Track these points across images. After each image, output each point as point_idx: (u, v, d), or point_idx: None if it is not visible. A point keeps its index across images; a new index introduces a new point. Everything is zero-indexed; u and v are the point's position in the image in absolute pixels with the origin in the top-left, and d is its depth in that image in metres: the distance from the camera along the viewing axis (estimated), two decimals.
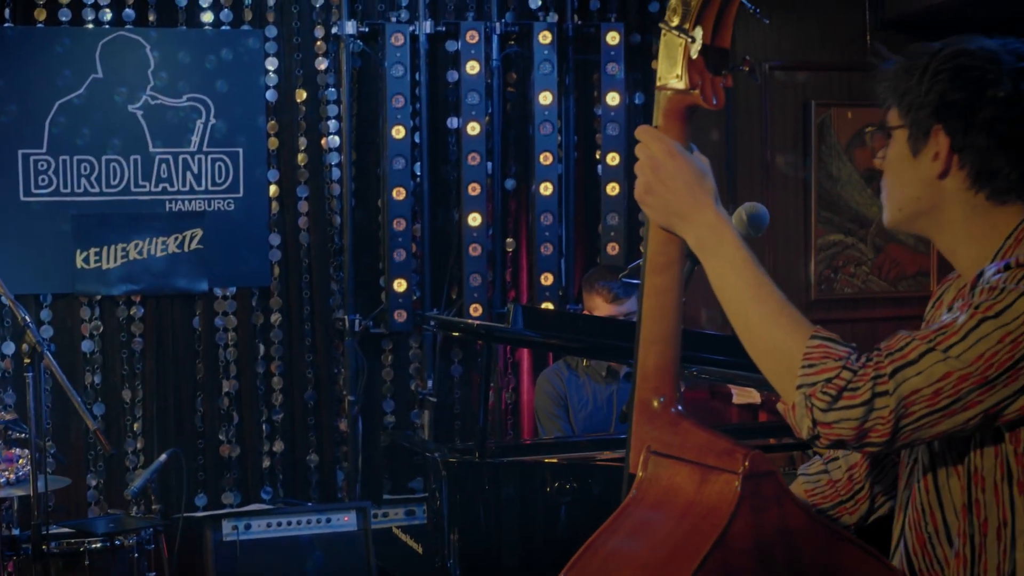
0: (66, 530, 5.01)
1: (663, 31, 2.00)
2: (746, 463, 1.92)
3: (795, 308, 1.96)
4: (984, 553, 1.98)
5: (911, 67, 2.06)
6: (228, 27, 6.31)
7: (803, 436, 1.90)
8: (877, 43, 7.03)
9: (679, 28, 1.98)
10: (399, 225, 6.32)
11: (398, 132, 6.29)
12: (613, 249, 6.58)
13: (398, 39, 6.29)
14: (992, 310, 1.85)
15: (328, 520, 5.52)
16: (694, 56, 1.98)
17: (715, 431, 2.04)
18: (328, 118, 6.43)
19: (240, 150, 6.32)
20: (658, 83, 2.03)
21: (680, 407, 2.10)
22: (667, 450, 2.06)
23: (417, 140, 6.45)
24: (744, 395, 6.43)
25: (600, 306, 5.40)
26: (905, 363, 1.85)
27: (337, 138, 6.43)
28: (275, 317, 6.40)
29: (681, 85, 2.00)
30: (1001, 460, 1.96)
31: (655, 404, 2.10)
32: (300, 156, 6.42)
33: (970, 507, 2.00)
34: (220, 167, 6.29)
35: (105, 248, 6.18)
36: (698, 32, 1.97)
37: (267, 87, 6.36)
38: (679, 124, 2.04)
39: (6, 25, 6.07)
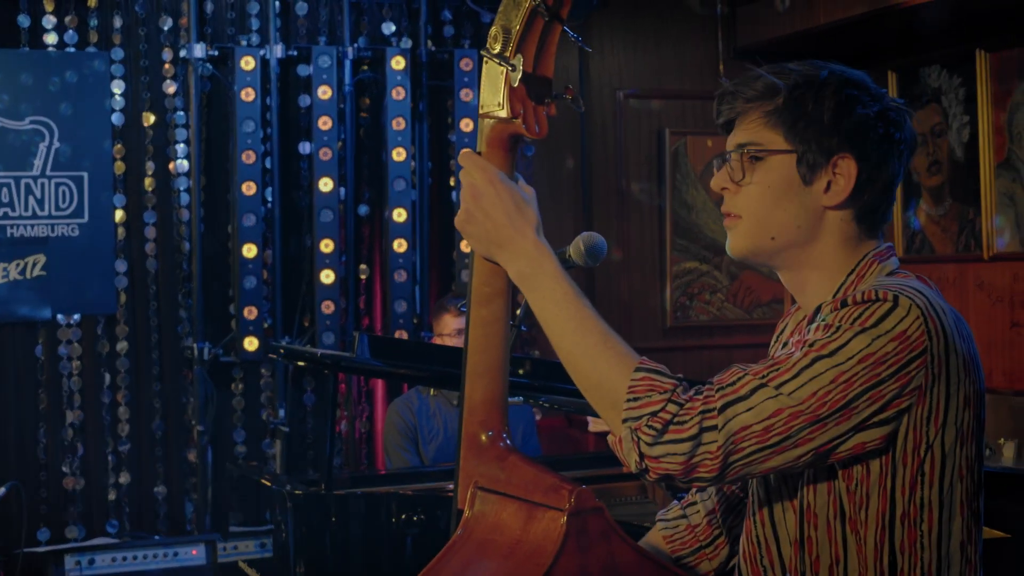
0: None
1: (484, 59, 1.97)
2: (572, 500, 1.88)
3: (620, 340, 1.92)
4: None
5: (804, 89, 1.99)
6: (73, 49, 6.17)
7: (632, 469, 1.87)
8: (734, 67, 7.17)
9: (500, 56, 1.94)
10: (249, 251, 6.22)
11: (248, 157, 6.20)
12: (468, 276, 6.54)
13: (248, 63, 6.21)
14: (826, 348, 1.83)
15: (176, 554, 5.41)
16: (515, 85, 1.95)
17: (543, 466, 2.00)
18: (176, 142, 6.31)
19: (85, 174, 6.17)
20: (481, 111, 1.99)
21: (508, 441, 2.05)
22: (494, 486, 2.01)
23: (268, 165, 6.37)
24: (600, 423, 6.43)
25: (448, 323, 5.36)
26: (736, 398, 1.82)
27: (186, 162, 6.32)
28: (121, 345, 6.26)
29: (503, 113, 1.96)
30: (834, 497, 1.94)
31: (483, 438, 2.05)
32: (147, 180, 6.29)
33: (802, 543, 1.98)
34: (64, 191, 6.13)
35: None
36: (519, 60, 1.94)
37: (113, 110, 6.23)
38: (502, 153, 2.00)
39: None
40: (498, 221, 1.96)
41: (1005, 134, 6.55)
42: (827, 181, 1.98)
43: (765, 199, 2.02)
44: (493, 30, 1.94)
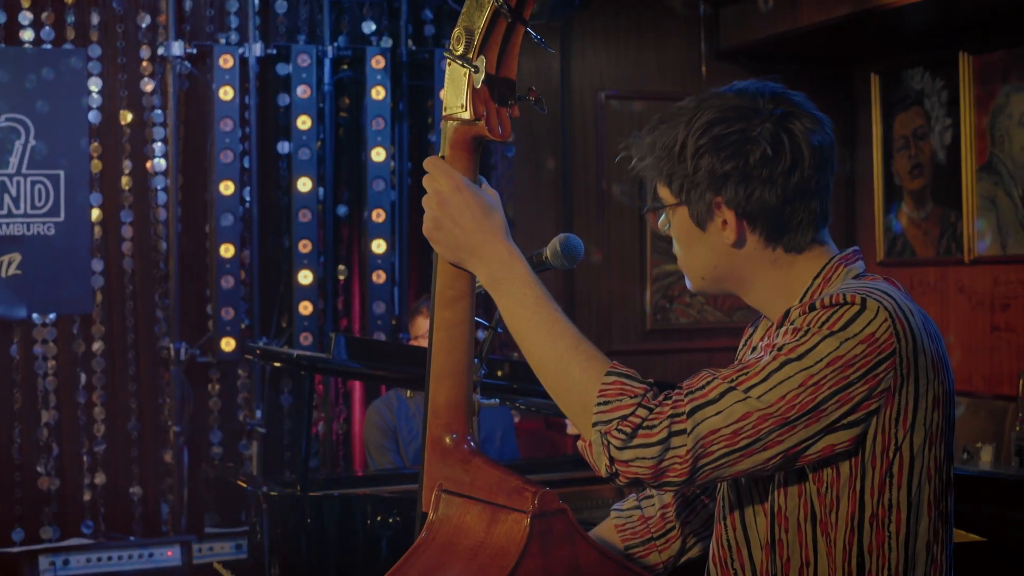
0: None
1: (448, 60, 1.95)
2: (535, 502, 1.88)
3: (591, 344, 1.93)
4: None
5: (668, 145, 2.01)
6: (50, 45, 6.14)
7: (601, 474, 1.87)
8: (716, 68, 7.16)
9: (463, 58, 1.94)
10: (227, 251, 6.19)
11: (226, 156, 6.17)
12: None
13: (227, 61, 6.18)
14: (795, 352, 1.84)
15: (151, 555, 5.40)
16: (478, 86, 1.94)
17: (507, 469, 1.99)
18: (154, 141, 6.28)
19: (61, 172, 6.13)
20: (444, 112, 1.99)
21: (473, 443, 2.04)
22: (458, 489, 2.01)
23: (246, 164, 6.34)
24: None
25: (422, 325, 5.36)
26: (705, 402, 1.83)
27: (163, 161, 6.28)
28: (97, 345, 6.22)
29: (466, 115, 1.96)
30: (805, 500, 1.95)
31: (447, 441, 2.05)
32: (124, 179, 6.26)
33: (773, 546, 1.99)
34: (40, 190, 6.09)
35: None
36: (481, 62, 1.93)
37: (90, 108, 6.19)
38: (466, 155, 1.99)
39: None
40: (466, 227, 1.96)
41: (987, 137, 6.55)
42: (720, 222, 2.01)
43: (680, 247, 2.09)
44: (456, 31, 1.95)
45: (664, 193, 2.06)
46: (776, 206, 1.99)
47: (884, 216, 7.18)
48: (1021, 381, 4.64)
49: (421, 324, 5.35)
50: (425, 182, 2.00)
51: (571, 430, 6.59)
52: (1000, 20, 6.38)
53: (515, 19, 1.93)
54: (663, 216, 2.10)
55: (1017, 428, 4.59)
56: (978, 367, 6.55)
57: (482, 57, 1.94)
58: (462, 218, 1.96)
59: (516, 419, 6.14)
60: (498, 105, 1.97)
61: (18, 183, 6.07)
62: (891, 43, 7.09)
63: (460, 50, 1.95)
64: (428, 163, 2.00)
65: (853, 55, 7.41)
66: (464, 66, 1.94)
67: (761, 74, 2.12)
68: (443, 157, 2.00)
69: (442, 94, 2.01)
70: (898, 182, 7.15)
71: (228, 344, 6.18)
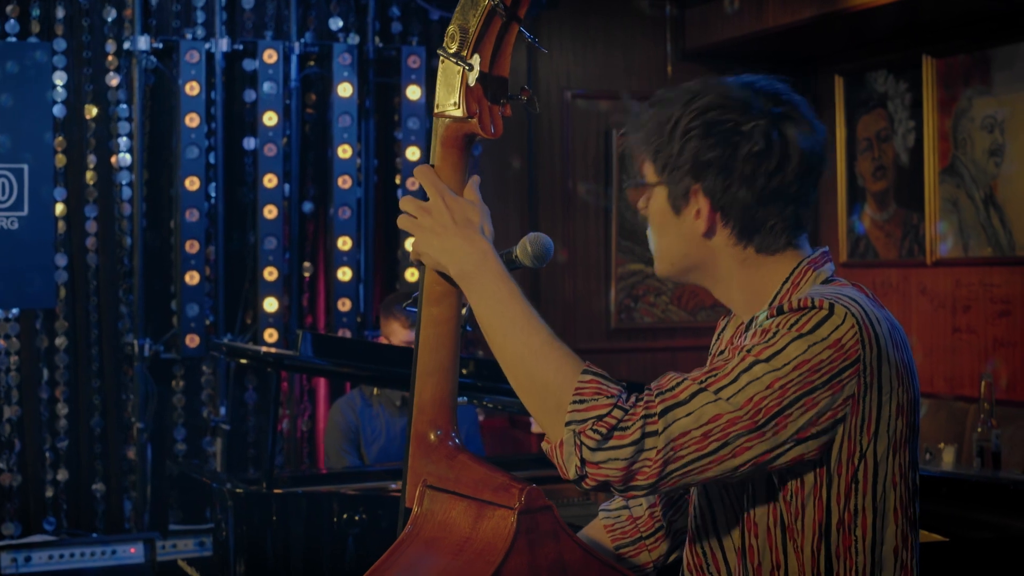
0: None
1: (441, 58, 1.96)
2: (522, 498, 1.88)
3: (563, 343, 1.91)
4: None
5: (661, 121, 2.00)
6: (14, 39, 6.08)
7: (569, 476, 1.85)
8: (682, 69, 7.19)
9: (456, 56, 1.94)
10: (192, 247, 6.17)
11: (192, 152, 6.14)
12: (412, 275, 6.54)
13: (193, 56, 6.15)
14: (763, 354, 1.83)
15: (114, 552, 5.37)
16: (472, 84, 1.95)
17: (492, 465, 1.99)
18: (119, 135, 6.25)
19: (25, 166, 6.08)
20: (436, 110, 1.99)
21: (457, 440, 2.05)
22: (443, 484, 2.01)
23: (212, 160, 6.31)
24: None
25: (397, 331, 5.33)
26: (675, 403, 1.81)
27: (128, 156, 6.25)
28: (60, 340, 6.17)
29: (459, 113, 1.96)
30: (773, 507, 1.95)
31: (432, 437, 2.04)
32: (89, 174, 6.22)
33: (744, 552, 1.99)
34: (4, 184, 6.04)
35: None
36: (476, 60, 1.94)
37: (55, 102, 6.14)
38: (456, 152, 2.00)
39: None
40: (443, 228, 1.96)
41: (950, 140, 6.61)
42: (695, 210, 2.00)
43: (653, 229, 2.07)
44: (450, 29, 1.94)
45: (648, 171, 2.05)
46: (751, 205, 1.98)
47: (847, 217, 7.23)
48: (983, 383, 4.68)
49: (397, 331, 5.33)
50: (402, 204, 2.01)
51: (536, 428, 6.60)
52: (964, 24, 6.44)
53: (510, 18, 1.93)
54: (632, 196, 2.10)
55: (979, 429, 4.62)
56: (939, 368, 6.60)
57: (476, 55, 1.94)
58: (439, 221, 1.96)
59: (481, 417, 6.14)
60: (491, 103, 1.97)
61: None
62: (855, 45, 7.14)
63: (454, 48, 1.94)
64: (418, 172, 2.00)
65: (817, 57, 7.45)
66: (458, 64, 1.94)
67: (726, 75, 2.09)
68: (433, 155, 2.00)
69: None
70: (861, 184, 7.20)
71: (193, 340, 6.16)
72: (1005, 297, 6.37)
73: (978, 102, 6.47)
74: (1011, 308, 6.35)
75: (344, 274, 6.44)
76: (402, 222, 2.01)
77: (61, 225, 6.19)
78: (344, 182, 6.43)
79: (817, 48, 7.32)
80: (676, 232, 2.04)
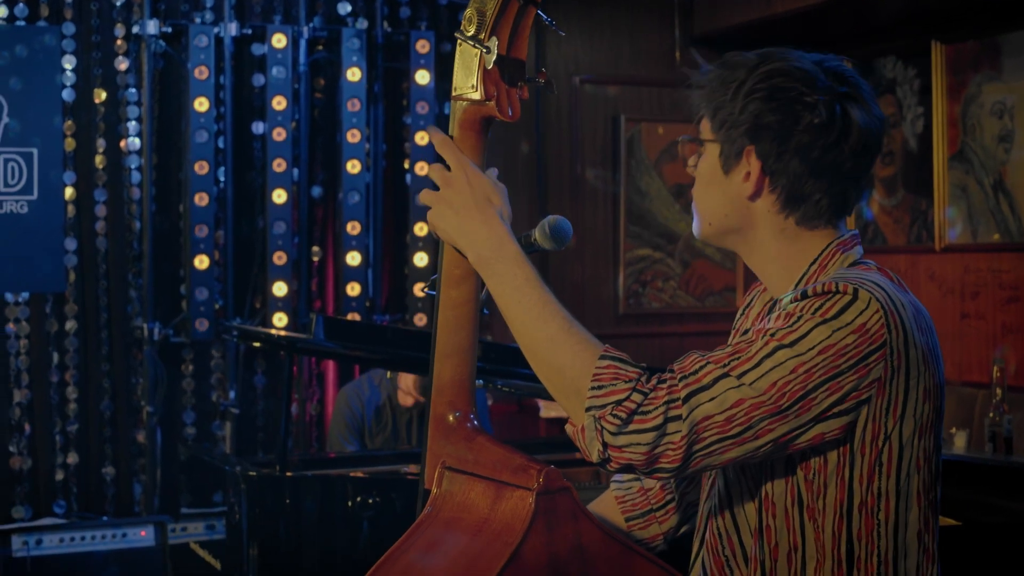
0: None
1: (459, 41, 1.96)
2: (540, 479, 1.88)
3: (582, 327, 1.92)
4: None
5: (726, 80, 2.01)
6: (24, 22, 6.08)
7: (593, 459, 1.85)
8: (691, 55, 7.18)
9: (474, 38, 1.94)
10: (201, 231, 6.18)
11: (201, 136, 6.15)
12: (421, 260, 6.55)
13: (202, 40, 6.15)
14: (787, 339, 1.84)
15: (124, 535, 5.36)
16: (489, 67, 1.95)
17: (511, 447, 2.00)
18: (128, 120, 6.25)
19: (35, 150, 6.08)
20: (453, 93, 1.99)
21: (476, 421, 2.05)
22: (462, 466, 2.01)
23: (221, 145, 6.31)
24: (552, 408, 6.45)
25: (405, 400, 5.41)
26: (699, 388, 1.82)
27: (137, 140, 6.25)
28: (70, 324, 6.19)
29: (476, 96, 1.96)
30: (792, 487, 1.95)
31: (450, 419, 2.05)
32: (98, 158, 6.22)
33: (761, 532, 1.99)
34: (13, 168, 6.05)
35: None
36: (493, 43, 1.94)
37: (64, 86, 6.15)
38: (474, 135, 2.00)
39: None
40: (461, 208, 1.96)
41: (959, 126, 6.60)
42: (744, 172, 2.01)
43: (699, 186, 2.07)
44: (468, 12, 1.95)
45: (704, 127, 2.05)
46: (801, 175, 1.99)
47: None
48: (994, 368, 4.69)
49: (403, 398, 5.40)
50: (430, 172, 2.00)
51: (544, 413, 6.61)
52: (973, 10, 6.43)
53: (527, 1, 1.94)
54: (681, 153, 2.11)
55: (991, 415, 4.63)
56: (948, 354, 6.61)
57: (494, 38, 1.94)
58: (459, 198, 1.96)
59: (490, 402, 6.16)
60: (508, 86, 1.97)
61: None
62: (864, 31, 7.13)
63: (472, 31, 1.95)
64: (437, 142, 2.00)
65: (825, 43, 7.44)
66: (476, 47, 1.94)
67: None
68: (452, 137, 2.00)
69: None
70: None
71: (202, 324, 6.18)
72: (1014, 283, 6.37)
73: (987, 88, 6.46)
74: (1020, 294, 6.35)
75: (353, 258, 6.45)
76: (424, 196, 2.00)
77: (71, 209, 6.20)
78: (353, 167, 6.44)
79: (825, 34, 7.31)
80: (722, 191, 2.04)
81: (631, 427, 1.80)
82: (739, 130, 1.99)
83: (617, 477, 2.36)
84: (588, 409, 1.83)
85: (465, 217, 1.96)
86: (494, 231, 1.96)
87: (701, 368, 1.84)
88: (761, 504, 1.98)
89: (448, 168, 1.99)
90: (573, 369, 1.86)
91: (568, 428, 1.90)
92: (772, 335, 1.85)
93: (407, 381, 5.44)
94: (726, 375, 1.82)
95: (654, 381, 1.84)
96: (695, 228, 2.11)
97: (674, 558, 2.16)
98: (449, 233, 1.98)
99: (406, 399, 5.48)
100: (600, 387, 1.83)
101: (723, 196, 2.04)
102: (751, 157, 2.00)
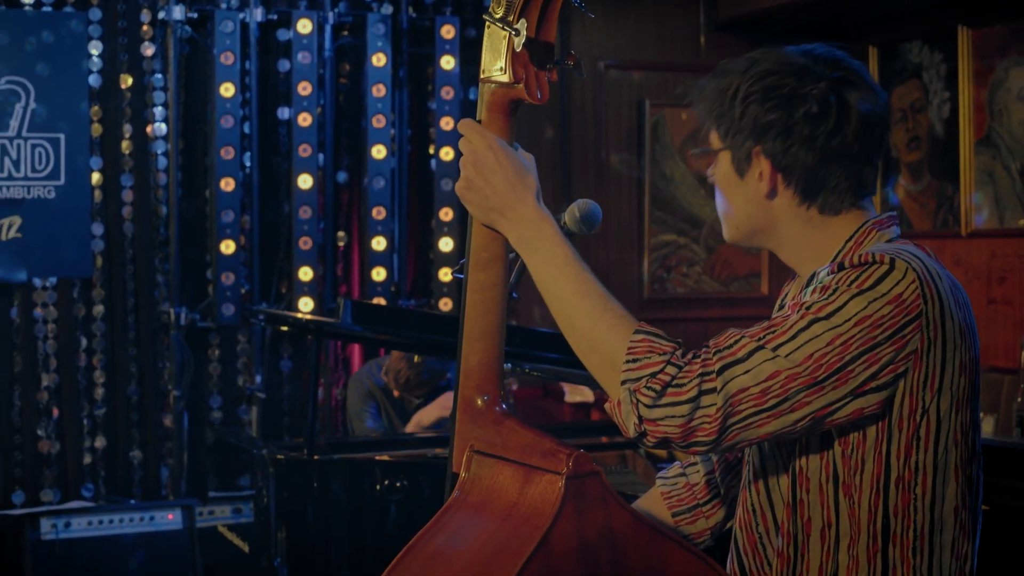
0: None
1: (487, 23, 1.96)
2: (570, 464, 1.87)
3: (619, 304, 1.93)
4: (807, 552, 1.98)
5: (722, 89, 2.05)
6: (50, 8, 6.11)
7: (630, 434, 1.86)
8: (715, 39, 7.16)
9: (503, 20, 1.93)
10: (227, 216, 6.19)
11: (227, 121, 6.16)
12: (446, 244, 6.55)
13: (228, 26, 6.16)
14: (823, 311, 1.84)
15: (152, 518, 5.40)
16: (518, 49, 1.94)
17: (539, 431, 1.99)
18: (154, 105, 6.27)
19: (62, 136, 6.11)
20: (482, 76, 1.99)
21: (504, 405, 2.05)
22: (490, 450, 2.01)
23: (247, 130, 6.33)
24: (577, 393, 6.45)
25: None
26: (733, 360, 1.82)
27: (164, 126, 6.27)
28: (97, 309, 6.22)
29: (505, 78, 1.96)
30: (827, 462, 1.95)
31: (478, 402, 2.04)
32: (125, 144, 6.24)
33: (794, 507, 1.99)
34: (40, 153, 6.08)
35: None
36: (522, 25, 1.93)
37: (90, 71, 6.17)
38: (503, 117, 2.00)
39: None
40: (498, 187, 1.97)
41: (986, 111, 6.57)
42: (757, 172, 2.04)
43: (721, 193, 2.11)
44: None
45: (713, 138, 2.10)
46: (812, 165, 2.01)
47: (881, 188, 7.20)
48: (1022, 353, 4.67)
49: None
50: (461, 144, 2.01)
51: (569, 398, 6.61)
52: None
53: None
54: (701, 165, 2.14)
55: (1019, 399, 4.61)
56: None
57: (523, 20, 1.93)
58: (494, 178, 1.97)
59: (514, 387, 6.16)
60: (537, 68, 1.97)
61: (18, 146, 6.05)
62: (890, 16, 7.09)
63: (500, 13, 1.94)
64: (463, 125, 2.00)
65: (851, 28, 7.40)
66: (504, 29, 1.94)
67: (759, 46, 2.14)
68: (479, 120, 2.00)
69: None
70: (895, 155, 7.17)
71: (228, 309, 6.22)
72: None
73: (1015, 72, 6.43)
74: None
75: (378, 243, 6.46)
76: (460, 163, 2.01)
77: (97, 194, 6.23)
78: (378, 152, 6.44)
79: (851, 19, 7.27)
80: (741, 195, 2.07)
81: (665, 399, 1.80)
82: (743, 134, 2.03)
83: (663, 473, 2.37)
84: (623, 383, 1.84)
85: (500, 198, 1.97)
86: (532, 210, 1.97)
87: (736, 342, 1.85)
88: (795, 479, 1.98)
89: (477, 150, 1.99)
90: (609, 343, 1.88)
91: (606, 406, 1.91)
92: (808, 308, 1.86)
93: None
94: (761, 347, 1.83)
95: (689, 355, 1.84)
96: (725, 234, 2.15)
97: (722, 555, 2.16)
98: (488, 215, 1.99)
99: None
100: (635, 360, 1.84)
101: (743, 199, 2.07)
102: (760, 157, 2.03)
